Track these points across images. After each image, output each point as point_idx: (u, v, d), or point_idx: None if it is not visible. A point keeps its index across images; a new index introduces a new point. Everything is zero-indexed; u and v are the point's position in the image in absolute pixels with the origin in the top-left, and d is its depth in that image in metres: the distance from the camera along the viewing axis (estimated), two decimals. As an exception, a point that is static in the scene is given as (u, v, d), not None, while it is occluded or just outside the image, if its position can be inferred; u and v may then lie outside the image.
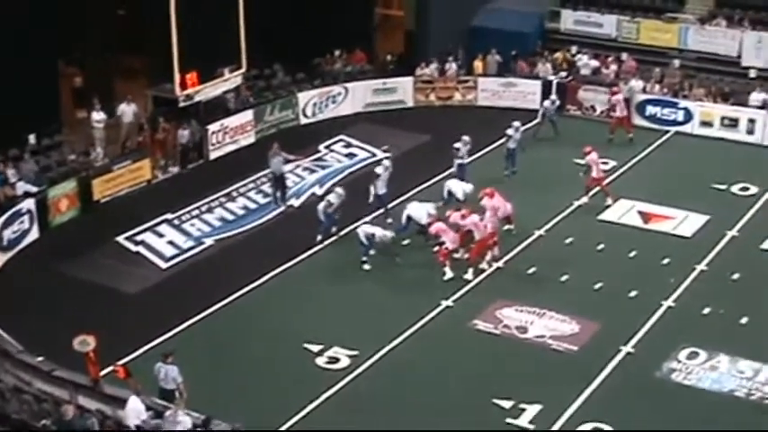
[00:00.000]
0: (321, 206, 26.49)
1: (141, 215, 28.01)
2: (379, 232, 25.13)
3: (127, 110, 31.17)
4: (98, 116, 30.45)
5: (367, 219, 26.70)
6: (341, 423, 19.46)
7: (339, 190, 26.62)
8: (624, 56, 37.17)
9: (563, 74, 36.46)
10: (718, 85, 35.42)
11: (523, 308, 23.54)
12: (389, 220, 26.23)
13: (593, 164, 28.58)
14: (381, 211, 27.35)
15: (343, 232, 26.81)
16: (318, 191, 29.99)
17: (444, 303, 23.83)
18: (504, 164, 30.53)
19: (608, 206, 28.42)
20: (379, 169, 27.64)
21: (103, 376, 19.21)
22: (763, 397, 20.51)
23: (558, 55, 37.66)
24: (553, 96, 34.39)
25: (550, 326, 22.92)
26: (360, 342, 22.01)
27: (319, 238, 26.45)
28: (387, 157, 29.00)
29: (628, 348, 22.00)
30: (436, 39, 37.62)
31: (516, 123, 30.76)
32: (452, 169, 29.31)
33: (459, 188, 27.43)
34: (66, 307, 23.37)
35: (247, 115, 33.42)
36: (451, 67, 36.87)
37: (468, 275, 24.76)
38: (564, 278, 24.86)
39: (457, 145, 29.36)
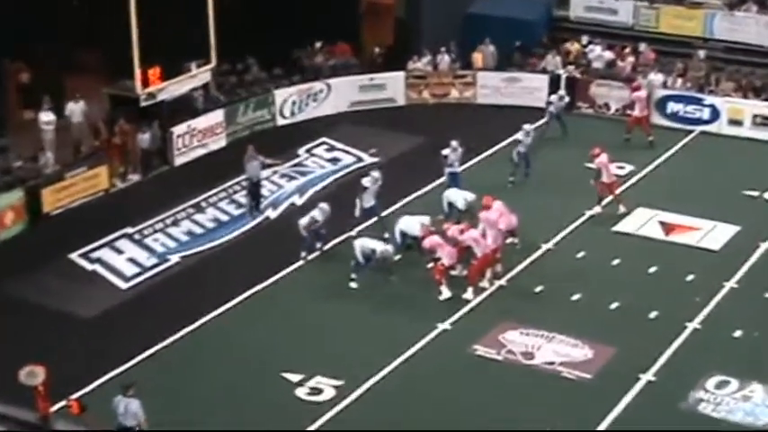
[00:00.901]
0: (304, 222, 26.45)
1: (97, 229, 27.96)
2: (380, 247, 25.10)
3: (75, 109, 31.15)
4: (47, 117, 30.42)
5: (361, 231, 26.73)
6: (324, 463, 19.46)
7: (324, 206, 26.60)
8: (642, 46, 37.32)
9: (571, 67, 36.57)
10: (748, 79, 35.55)
11: (530, 331, 23.53)
12: (386, 235, 26.20)
13: (602, 167, 28.62)
14: (374, 220, 27.32)
15: (327, 247, 26.79)
16: (298, 201, 30.01)
17: (441, 326, 23.82)
18: (510, 169, 30.53)
19: (622, 216, 28.46)
20: (366, 181, 27.58)
21: (55, 412, 19.13)
22: (802, 430, 20.55)
23: (568, 46, 37.78)
24: (561, 91, 34.48)
25: (560, 351, 22.92)
26: (345, 371, 21.96)
27: (303, 254, 26.41)
28: (375, 167, 28.80)
29: (648, 376, 22.00)
30: (430, 28, 37.72)
31: (527, 126, 30.82)
32: (444, 179, 29.33)
33: (460, 197, 27.44)
34: (12, 334, 23.26)
35: (217, 116, 33.44)
36: (443, 60, 36.93)
37: (468, 295, 24.76)
38: (575, 297, 24.87)
39: (445, 152, 29.37)
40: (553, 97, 34.08)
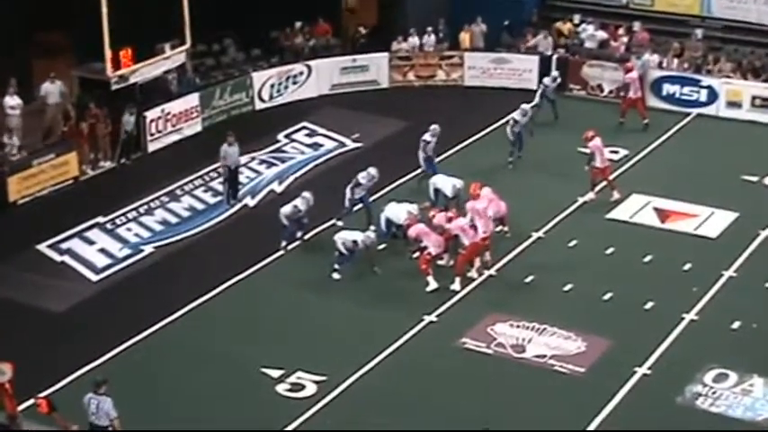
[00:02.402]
0: (286, 211, 26.37)
1: (67, 219, 27.88)
2: (361, 237, 25.08)
3: (52, 89, 31.00)
4: (13, 101, 30.25)
5: (340, 223, 26.72)
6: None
7: (307, 194, 26.53)
8: (636, 25, 37.35)
9: (561, 50, 36.57)
10: (747, 59, 35.60)
11: (520, 323, 23.53)
12: (372, 227, 26.14)
13: (596, 151, 28.62)
14: (360, 210, 27.29)
15: (308, 236, 26.76)
16: (278, 188, 29.96)
17: (427, 319, 23.81)
18: (509, 149, 30.69)
19: (616, 202, 28.48)
20: (362, 177, 27.42)
21: (22, 411, 19.07)
22: (804, 425, 20.60)
23: (559, 25, 37.77)
24: (554, 73, 34.46)
25: (552, 344, 22.93)
26: (328, 365, 21.93)
27: (283, 244, 26.39)
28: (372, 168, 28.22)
29: (644, 369, 22.02)
30: (416, 6, 37.64)
31: (525, 106, 31.00)
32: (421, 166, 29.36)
33: (448, 184, 27.40)
34: (-22, 329, 23.20)
35: (193, 99, 33.35)
36: (429, 40, 36.89)
37: (455, 286, 24.75)
38: (567, 288, 24.89)
39: (427, 137, 29.33)
40: (546, 80, 34.05)
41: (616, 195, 28.71)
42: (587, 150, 28.88)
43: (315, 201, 26.53)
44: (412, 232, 25.14)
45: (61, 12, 31.93)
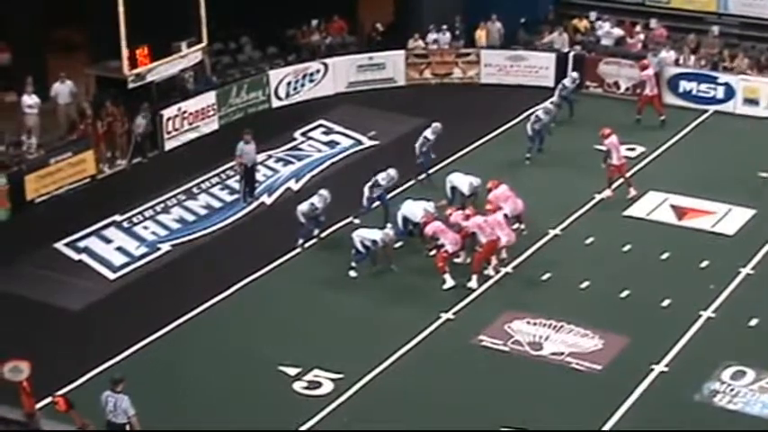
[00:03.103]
0: (303, 209, 26.33)
1: (84, 217, 27.92)
2: (379, 236, 25.02)
3: (62, 89, 31.07)
4: (30, 100, 30.34)
5: (357, 221, 26.72)
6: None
7: (324, 192, 26.50)
8: (653, 22, 37.24)
9: (578, 46, 36.51)
10: (765, 56, 35.47)
11: (537, 320, 23.51)
12: (389, 225, 26.13)
13: (612, 148, 28.55)
14: (377, 208, 27.29)
15: (324, 234, 26.75)
16: (294, 186, 29.97)
17: (444, 316, 23.79)
18: (527, 144, 30.72)
19: (633, 199, 28.40)
20: (381, 178, 27.32)
21: (40, 409, 19.09)
22: (822, 423, 20.53)
23: (576, 22, 37.70)
24: (574, 74, 34.33)
25: (569, 341, 22.90)
26: (345, 363, 21.93)
27: (300, 242, 26.38)
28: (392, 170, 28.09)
29: (661, 367, 21.98)
30: (432, 4, 37.59)
31: (550, 106, 31.31)
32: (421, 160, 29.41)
33: (465, 182, 27.37)
34: (-5, 327, 23.27)
35: (209, 98, 33.37)
36: (444, 37, 36.85)
37: (472, 283, 24.72)
38: (584, 285, 24.84)
39: (428, 134, 29.33)
40: (566, 80, 33.95)
41: (632, 192, 28.64)
42: (603, 147, 28.81)
43: (331, 199, 26.51)
44: (429, 230, 25.10)
45: (78, 10, 32.03)
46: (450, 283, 24.64)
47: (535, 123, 30.70)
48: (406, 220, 26.25)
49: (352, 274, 25.10)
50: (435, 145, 29.51)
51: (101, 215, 28.05)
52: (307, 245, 26.44)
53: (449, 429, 20.15)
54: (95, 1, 30.77)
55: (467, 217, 25.32)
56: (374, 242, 25.01)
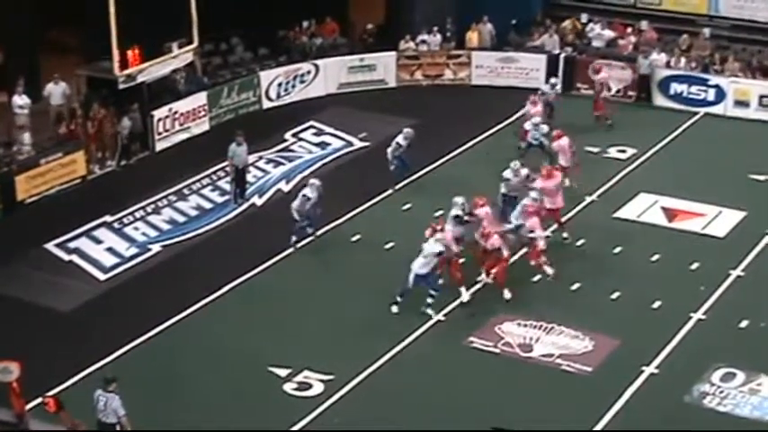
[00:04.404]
0: (296, 204, 26.28)
1: (75, 218, 27.90)
2: (440, 248, 23.62)
3: (55, 90, 31.04)
4: (21, 100, 30.32)
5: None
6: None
7: (315, 181, 26.50)
8: (644, 24, 37.27)
9: (569, 48, 36.53)
10: (755, 58, 35.52)
11: (528, 322, 23.51)
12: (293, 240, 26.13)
13: (560, 151, 28.71)
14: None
15: (319, 233, 26.80)
16: (285, 187, 29.95)
17: (435, 318, 23.79)
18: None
19: (572, 189, 28.31)
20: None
21: (30, 410, 19.07)
22: (812, 425, 20.56)
23: (567, 24, 37.73)
24: (553, 79, 34.17)
25: (560, 343, 22.91)
26: (335, 364, 21.92)
27: (293, 240, 26.34)
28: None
29: (651, 369, 22.00)
30: (423, 5, 37.59)
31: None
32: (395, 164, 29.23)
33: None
34: (-16, 328, 23.22)
35: (200, 98, 33.35)
36: (434, 39, 36.87)
37: (506, 294, 24.31)
38: (575, 287, 24.85)
39: (399, 139, 29.18)
40: (545, 87, 33.81)
41: (571, 184, 28.63)
42: (554, 148, 29.01)
43: (323, 201, 26.45)
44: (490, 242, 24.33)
45: (71, 11, 31.98)
46: (507, 295, 24.20)
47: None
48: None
49: (395, 310, 23.99)
50: (409, 150, 29.24)
51: (91, 216, 28.02)
52: (299, 245, 26.40)
53: (439, 430, 20.15)
54: (88, 2, 30.71)
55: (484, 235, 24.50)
56: (440, 253, 23.87)
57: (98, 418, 18.64)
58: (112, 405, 18.48)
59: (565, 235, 26.64)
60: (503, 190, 26.70)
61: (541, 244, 24.88)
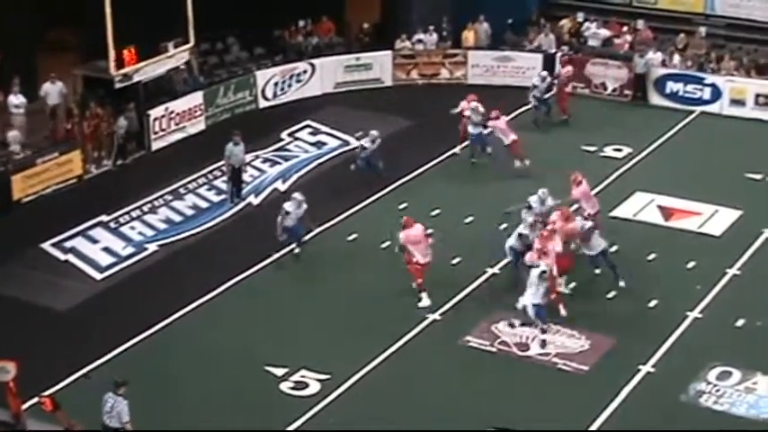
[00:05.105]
0: (279, 220, 25.77)
1: (71, 217, 27.87)
2: (512, 242, 24.06)
3: (51, 90, 31.03)
4: (17, 100, 30.32)
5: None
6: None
7: (297, 195, 26.06)
8: (640, 23, 37.26)
9: (565, 47, 36.54)
10: (751, 57, 35.54)
11: (524, 321, 23.49)
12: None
13: (499, 132, 29.96)
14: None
15: (310, 235, 26.78)
16: (281, 186, 29.95)
17: (431, 317, 23.78)
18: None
19: (523, 169, 29.59)
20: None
21: (26, 410, 19.07)
22: (809, 423, 20.58)
23: (563, 23, 37.73)
24: (543, 72, 34.23)
25: (556, 342, 22.90)
26: (332, 364, 21.91)
27: (297, 251, 26.02)
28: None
29: (647, 368, 22.01)
30: (420, 4, 37.59)
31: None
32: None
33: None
34: (-19, 328, 23.20)
35: (196, 98, 33.34)
36: (431, 38, 36.87)
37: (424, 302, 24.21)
38: (571, 285, 24.82)
39: (365, 142, 29.26)
40: (535, 80, 33.86)
41: (526, 163, 29.78)
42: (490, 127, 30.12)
43: (319, 199, 26.43)
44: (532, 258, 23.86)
45: (68, 10, 31.95)
46: (563, 312, 23.83)
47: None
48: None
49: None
50: (377, 153, 29.17)
51: (87, 215, 28.00)
52: (292, 246, 26.34)
53: (436, 430, 20.15)
54: (86, 2, 30.67)
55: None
56: (522, 235, 24.31)
57: (102, 421, 18.56)
58: (118, 408, 18.37)
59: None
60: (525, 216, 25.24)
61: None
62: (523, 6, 38.58)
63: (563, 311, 23.62)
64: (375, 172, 29.23)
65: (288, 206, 25.84)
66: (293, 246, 26.13)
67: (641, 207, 28.44)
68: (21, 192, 28.72)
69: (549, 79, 33.83)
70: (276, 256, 25.99)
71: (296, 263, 25.92)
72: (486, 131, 30.52)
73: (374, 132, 29.33)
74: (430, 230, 25.09)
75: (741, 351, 22.45)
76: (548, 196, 25.79)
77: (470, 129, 30.53)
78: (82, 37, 32.71)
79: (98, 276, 25.79)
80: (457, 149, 31.02)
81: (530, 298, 22.76)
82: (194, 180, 30.18)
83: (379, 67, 36.49)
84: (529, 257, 23.75)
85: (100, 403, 18.49)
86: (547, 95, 33.34)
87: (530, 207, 25.31)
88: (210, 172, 30.42)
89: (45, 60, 32.76)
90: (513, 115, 32.81)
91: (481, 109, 30.54)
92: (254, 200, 29.41)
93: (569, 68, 34.32)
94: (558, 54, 35.35)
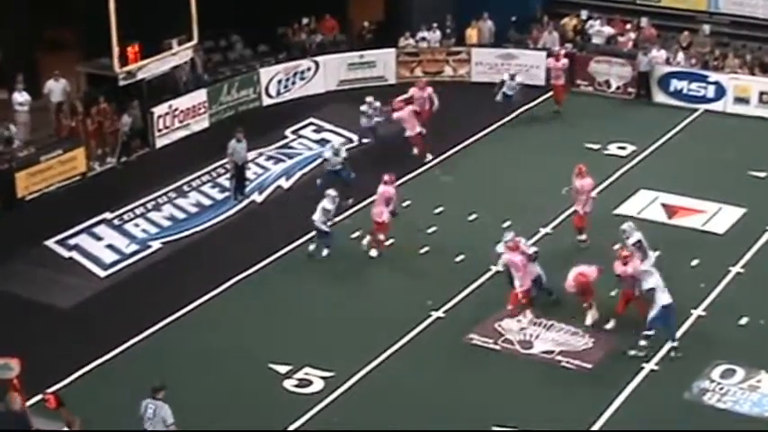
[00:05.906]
0: (318, 217, 25.65)
1: (75, 215, 27.90)
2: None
3: (55, 87, 31.05)
4: (21, 97, 30.35)
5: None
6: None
7: (331, 192, 25.91)
8: (644, 21, 37.24)
9: (569, 45, 36.54)
10: (755, 55, 35.52)
11: (527, 319, 23.49)
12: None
13: (401, 121, 30.25)
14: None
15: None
16: (285, 184, 29.96)
17: (435, 314, 23.79)
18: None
19: (426, 163, 29.95)
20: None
21: (30, 406, 19.06)
22: (812, 421, 20.57)
23: (566, 21, 37.72)
24: (513, 71, 34.28)
25: (560, 340, 22.92)
26: (335, 361, 21.92)
27: (325, 252, 25.88)
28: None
29: (651, 365, 22.00)
30: (423, 1, 37.59)
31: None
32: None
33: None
34: (-16, 325, 23.22)
35: (200, 95, 33.34)
36: (434, 35, 36.87)
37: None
38: (575, 283, 24.81)
39: (326, 153, 29.13)
40: (505, 75, 33.84)
41: (428, 157, 30.19)
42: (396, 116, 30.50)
43: (321, 197, 26.36)
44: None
45: (71, 8, 31.94)
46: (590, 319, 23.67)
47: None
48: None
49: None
50: (344, 162, 28.79)
51: (91, 213, 28.02)
52: (298, 242, 26.32)
53: (440, 428, 20.15)
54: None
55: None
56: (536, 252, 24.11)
57: (144, 428, 18.46)
58: (161, 413, 18.25)
59: (582, 237, 26.49)
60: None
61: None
62: (527, 4, 38.57)
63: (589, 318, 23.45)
64: (347, 181, 28.49)
65: (327, 204, 25.66)
66: (328, 248, 25.95)
67: (645, 205, 28.43)
68: (25, 189, 28.75)
69: (518, 78, 33.74)
70: (282, 252, 25.98)
71: (301, 260, 25.91)
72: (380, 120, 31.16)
73: (334, 142, 29.31)
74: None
75: (745, 349, 22.45)
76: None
77: (362, 121, 31.24)
78: (80, 35, 32.67)
79: (102, 274, 25.82)
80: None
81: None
82: (198, 177, 30.20)
83: (383, 64, 36.49)
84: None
85: (102, 401, 18.51)
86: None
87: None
88: (214, 170, 30.45)
89: (46, 58, 32.77)
90: (516, 113, 32.80)
91: (377, 104, 31.02)
92: (258, 197, 29.42)
93: (565, 61, 34.29)
94: (556, 49, 35.31)
